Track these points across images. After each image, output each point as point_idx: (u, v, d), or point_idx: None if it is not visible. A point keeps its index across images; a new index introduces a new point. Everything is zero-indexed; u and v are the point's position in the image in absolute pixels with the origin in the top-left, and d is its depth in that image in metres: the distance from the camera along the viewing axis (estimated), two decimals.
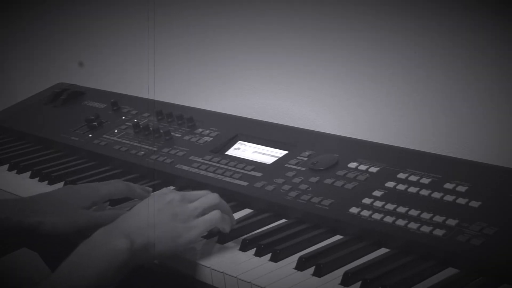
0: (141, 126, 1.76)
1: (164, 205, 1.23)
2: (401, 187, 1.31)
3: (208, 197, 1.27)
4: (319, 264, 1.15)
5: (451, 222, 1.19)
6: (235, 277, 1.16)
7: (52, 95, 2.07)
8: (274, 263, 1.20)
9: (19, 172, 1.72)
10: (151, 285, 1.32)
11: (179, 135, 1.69)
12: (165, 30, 2.18)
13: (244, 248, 1.25)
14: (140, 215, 1.22)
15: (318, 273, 1.15)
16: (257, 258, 1.22)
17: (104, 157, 1.72)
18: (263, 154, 1.54)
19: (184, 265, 1.24)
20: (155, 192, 1.29)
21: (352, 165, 1.40)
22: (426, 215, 1.22)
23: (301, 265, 1.18)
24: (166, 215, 1.22)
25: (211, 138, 1.64)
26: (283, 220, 1.35)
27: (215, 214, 1.25)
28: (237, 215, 1.39)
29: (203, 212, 1.25)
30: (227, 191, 1.45)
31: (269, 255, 1.22)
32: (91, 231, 1.21)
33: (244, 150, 1.58)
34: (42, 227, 1.36)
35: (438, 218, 1.20)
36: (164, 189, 1.30)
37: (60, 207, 1.39)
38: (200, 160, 1.57)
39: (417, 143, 1.57)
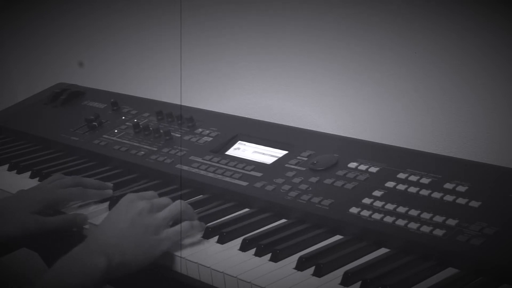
0: (141, 126, 1.76)
1: (135, 215, 1.24)
2: (401, 187, 1.30)
3: (176, 205, 1.29)
4: (319, 264, 1.15)
5: (451, 222, 1.19)
6: (235, 277, 1.16)
7: (52, 95, 2.07)
8: (274, 263, 1.20)
9: (19, 172, 1.72)
10: (150, 285, 1.32)
11: (179, 135, 1.69)
12: (165, 30, 2.18)
13: (244, 248, 1.25)
14: (116, 228, 1.23)
15: (318, 273, 1.15)
16: (257, 258, 1.22)
17: (104, 157, 1.72)
18: (263, 154, 1.54)
19: (184, 265, 1.24)
20: (121, 200, 1.29)
21: (352, 165, 1.40)
22: (426, 215, 1.22)
23: (301, 265, 1.18)
24: (138, 227, 1.23)
25: (211, 138, 1.64)
26: (283, 220, 1.35)
27: (185, 225, 1.27)
28: (237, 215, 1.39)
29: (172, 220, 1.28)
30: (227, 191, 1.45)
31: (269, 255, 1.22)
32: (43, 235, 1.21)
33: (244, 150, 1.58)
34: None
35: (438, 218, 1.20)
36: (130, 195, 1.30)
37: (6, 214, 1.40)
38: (200, 160, 1.57)
39: (417, 143, 1.57)
